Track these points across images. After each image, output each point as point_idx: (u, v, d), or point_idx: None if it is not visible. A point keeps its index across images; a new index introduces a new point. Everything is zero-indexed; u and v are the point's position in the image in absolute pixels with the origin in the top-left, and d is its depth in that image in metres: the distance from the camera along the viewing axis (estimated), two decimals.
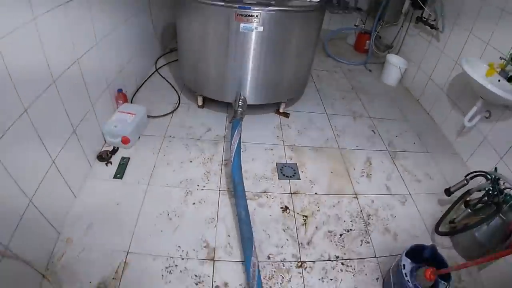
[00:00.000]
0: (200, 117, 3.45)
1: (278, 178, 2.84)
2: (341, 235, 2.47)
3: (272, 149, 3.14)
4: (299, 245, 2.35)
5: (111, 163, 2.74)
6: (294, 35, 3.00)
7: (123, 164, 2.76)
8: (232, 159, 2.57)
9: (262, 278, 2.08)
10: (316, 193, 2.75)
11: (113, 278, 2.00)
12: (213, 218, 2.45)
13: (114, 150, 2.83)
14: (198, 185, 2.68)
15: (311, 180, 2.87)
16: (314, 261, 2.27)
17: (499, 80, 2.86)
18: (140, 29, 3.65)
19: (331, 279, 2.17)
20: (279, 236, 2.39)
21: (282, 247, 2.32)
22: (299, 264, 2.24)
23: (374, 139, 3.49)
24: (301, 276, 2.17)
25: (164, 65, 4.30)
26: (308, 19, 3.00)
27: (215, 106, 3.58)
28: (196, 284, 2.04)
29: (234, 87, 3.18)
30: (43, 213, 1.97)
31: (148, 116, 3.24)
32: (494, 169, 2.51)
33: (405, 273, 1.93)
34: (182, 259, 2.17)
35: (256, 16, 2.70)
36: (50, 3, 1.93)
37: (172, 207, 2.48)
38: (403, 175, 3.07)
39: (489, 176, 2.41)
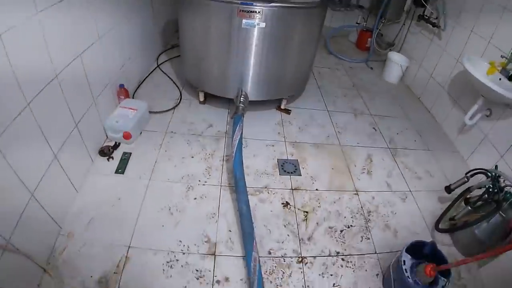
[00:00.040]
0: (202, 113, 3.46)
1: (279, 174, 2.85)
2: (341, 231, 2.47)
3: (273, 145, 3.15)
4: (299, 240, 2.36)
5: (112, 158, 2.75)
6: (296, 32, 3.00)
7: (125, 159, 2.77)
8: (233, 154, 2.58)
9: (262, 273, 2.09)
10: (317, 189, 2.76)
11: (114, 273, 2.01)
12: (214, 213, 2.45)
13: (116, 146, 2.84)
14: (199, 181, 2.68)
15: (312, 176, 2.87)
16: (314, 257, 2.28)
17: (500, 79, 2.86)
18: (142, 25, 3.65)
19: (331, 275, 2.18)
20: (280, 232, 2.40)
21: (283, 242, 2.33)
22: (300, 259, 2.25)
23: (375, 136, 3.49)
24: (301, 272, 2.18)
25: (166, 61, 4.30)
26: (310, 16, 2.99)
27: (216, 102, 3.58)
28: (197, 279, 2.05)
29: (236, 83, 3.18)
30: (45, 207, 1.97)
31: (150, 112, 3.25)
32: (494, 167, 2.51)
33: (405, 269, 1.94)
34: (183, 253, 2.18)
35: (259, 12, 2.70)
36: None
37: (174, 202, 2.49)
38: (403, 172, 3.07)
39: (489, 174, 2.41)
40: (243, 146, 2.91)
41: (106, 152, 2.74)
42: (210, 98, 3.59)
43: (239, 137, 2.70)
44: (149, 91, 3.67)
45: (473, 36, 3.43)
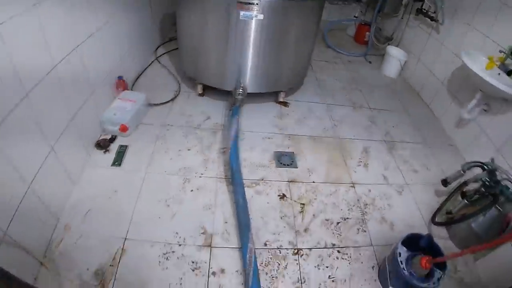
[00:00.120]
0: (200, 106, 3.45)
1: (276, 166, 2.85)
2: (338, 223, 2.48)
3: (270, 138, 3.15)
4: (295, 232, 2.37)
5: (109, 151, 2.75)
6: (294, 23, 3.00)
7: (121, 152, 2.76)
8: (230, 147, 2.58)
9: (258, 264, 2.10)
10: (313, 182, 2.76)
11: (110, 265, 2.01)
12: (211, 205, 2.45)
13: (112, 138, 2.83)
14: (196, 173, 2.68)
15: (308, 169, 2.87)
16: (310, 249, 2.28)
17: (498, 74, 2.85)
18: (140, 18, 3.63)
19: (327, 267, 2.19)
20: (276, 223, 2.40)
21: (279, 234, 2.34)
22: (296, 251, 2.25)
23: (372, 130, 3.49)
24: (297, 263, 2.18)
25: (164, 53, 4.29)
26: (308, 8, 2.99)
27: (215, 94, 3.58)
28: (193, 270, 2.05)
29: (234, 75, 3.18)
30: (42, 199, 1.97)
31: (148, 104, 3.24)
32: (490, 160, 2.51)
33: (401, 261, 1.95)
34: (180, 245, 2.18)
35: (256, 4, 2.70)
36: None
37: (170, 194, 2.49)
38: (400, 165, 3.08)
39: (485, 167, 2.42)
40: (240, 139, 2.92)
41: (102, 145, 2.74)
42: (208, 90, 3.58)
43: (236, 129, 2.71)
44: (147, 84, 3.66)
45: (471, 30, 3.43)
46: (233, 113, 2.88)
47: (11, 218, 1.69)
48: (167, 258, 2.10)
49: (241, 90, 3.15)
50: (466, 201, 2.49)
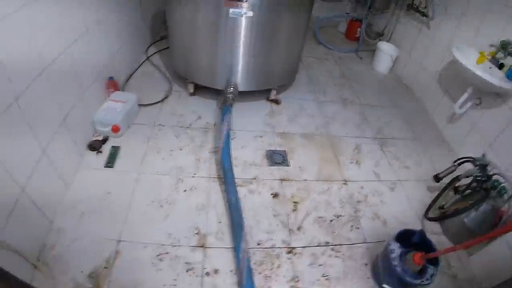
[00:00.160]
0: (191, 105, 3.44)
1: (268, 165, 2.85)
2: (331, 220, 2.49)
3: (261, 136, 3.14)
4: (289, 231, 2.37)
5: (101, 152, 2.73)
6: (284, 20, 2.99)
7: (114, 153, 2.74)
8: (221, 146, 2.58)
9: (252, 264, 2.09)
10: (305, 180, 2.77)
11: (104, 267, 2.01)
12: (204, 205, 2.45)
13: (104, 140, 2.82)
14: (189, 173, 2.68)
15: (300, 167, 2.88)
16: (304, 247, 2.29)
17: (490, 67, 2.87)
18: (130, 17, 3.60)
19: (320, 265, 2.20)
20: (269, 222, 2.40)
21: (272, 233, 2.34)
22: (289, 250, 2.25)
23: (363, 126, 3.50)
24: (290, 262, 2.18)
25: (155, 52, 4.26)
26: (297, 4, 2.99)
27: (206, 93, 3.56)
28: (187, 271, 2.05)
29: (225, 73, 3.17)
30: (35, 202, 1.96)
31: (139, 105, 3.22)
32: (482, 155, 2.53)
33: (394, 258, 1.95)
34: (173, 246, 2.17)
35: (246, 1, 2.69)
36: None
37: (163, 195, 2.48)
38: (392, 162, 3.09)
39: (477, 162, 2.43)
40: (232, 137, 2.92)
41: (95, 147, 2.72)
42: (200, 89, 3.56)
43: (227, 128, 2.70)
44: (139, 84, 3.64)
45: (462, 25, 3.44)
46: (225, 112, 2.88)
47: (5, 222, 1.68)
48: (161, 259, 2.09)
49: (232, 88, 3.14)
50: (458, 196, 2.50)
